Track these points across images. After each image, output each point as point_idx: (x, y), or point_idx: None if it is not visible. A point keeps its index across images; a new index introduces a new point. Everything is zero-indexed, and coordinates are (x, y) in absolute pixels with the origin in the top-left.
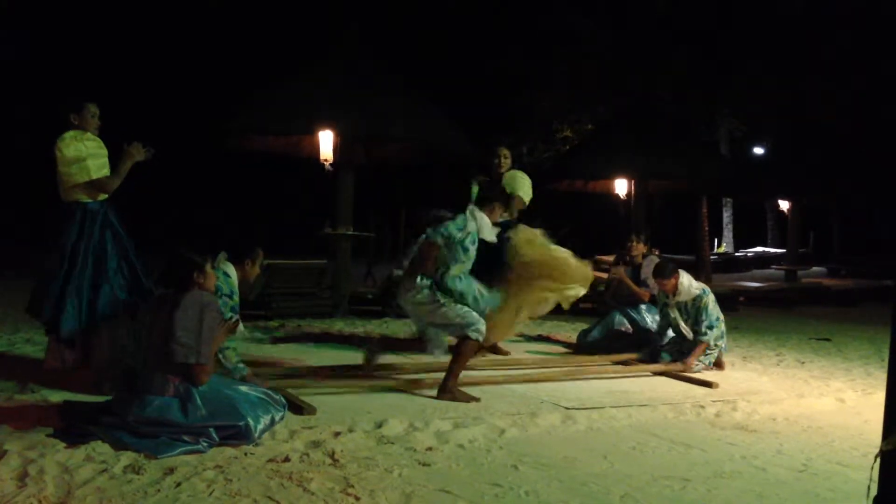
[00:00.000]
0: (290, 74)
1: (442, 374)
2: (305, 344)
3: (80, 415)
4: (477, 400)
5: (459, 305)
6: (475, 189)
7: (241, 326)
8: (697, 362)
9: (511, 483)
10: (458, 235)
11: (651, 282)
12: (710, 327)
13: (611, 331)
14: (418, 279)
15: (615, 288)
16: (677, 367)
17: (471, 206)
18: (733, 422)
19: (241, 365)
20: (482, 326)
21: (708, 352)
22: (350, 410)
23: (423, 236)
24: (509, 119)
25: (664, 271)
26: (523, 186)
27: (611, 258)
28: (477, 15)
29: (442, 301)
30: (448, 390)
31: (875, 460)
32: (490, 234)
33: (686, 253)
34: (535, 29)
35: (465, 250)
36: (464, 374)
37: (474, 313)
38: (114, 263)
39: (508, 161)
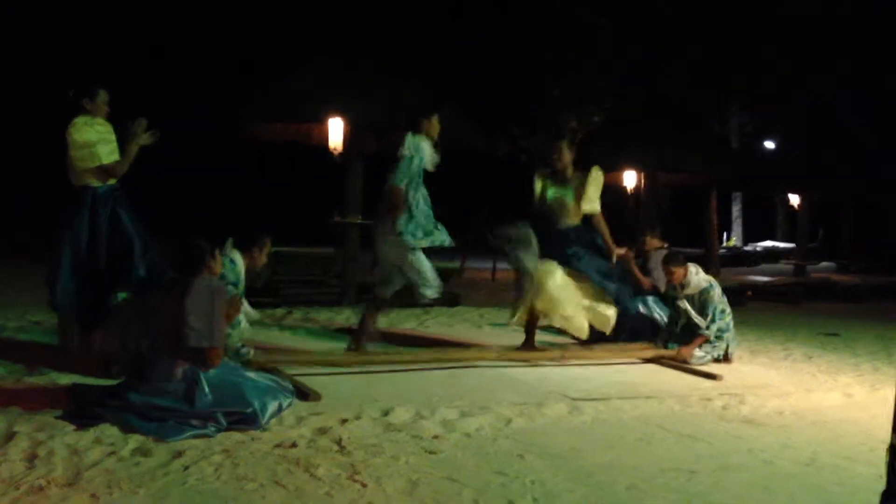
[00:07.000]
0: (299, 63)
1: (446, 368)
2: (312, 331)
3: (88, 397)
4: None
5: (424, 260)
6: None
7: (247, 307)
8: (704, 354)
9: (517, 472)
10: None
11: (657, 273)
12: (713, 321)
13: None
14: (398, 222)
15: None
16: (670, 353)
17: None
18: (740, 415)
19: (245, 349)
20: (432, 289)
21: (715, 345)
22: (357, 398)
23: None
24: (519, 110)
25: (675, 258)
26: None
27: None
28: (487, 4)
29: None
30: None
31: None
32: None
33: (695, 246)
34: (544, 20)
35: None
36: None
37: (433, 273)
38: (124, 247)
39: (567, 154)
